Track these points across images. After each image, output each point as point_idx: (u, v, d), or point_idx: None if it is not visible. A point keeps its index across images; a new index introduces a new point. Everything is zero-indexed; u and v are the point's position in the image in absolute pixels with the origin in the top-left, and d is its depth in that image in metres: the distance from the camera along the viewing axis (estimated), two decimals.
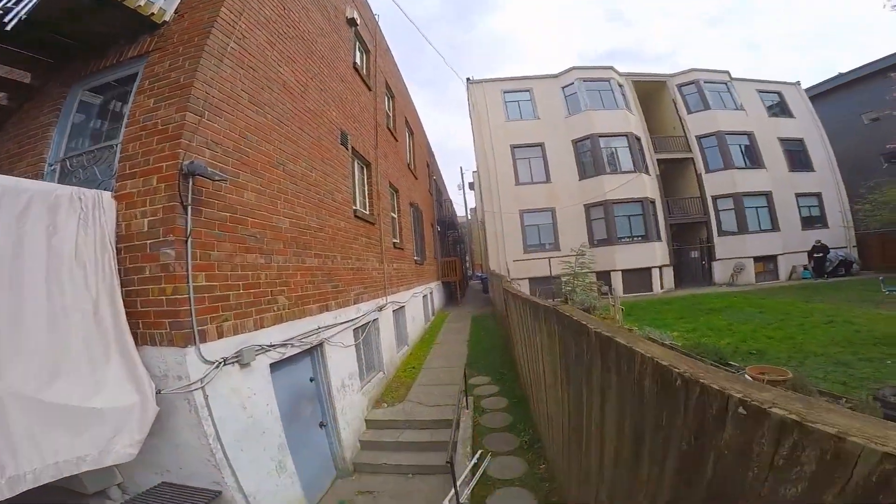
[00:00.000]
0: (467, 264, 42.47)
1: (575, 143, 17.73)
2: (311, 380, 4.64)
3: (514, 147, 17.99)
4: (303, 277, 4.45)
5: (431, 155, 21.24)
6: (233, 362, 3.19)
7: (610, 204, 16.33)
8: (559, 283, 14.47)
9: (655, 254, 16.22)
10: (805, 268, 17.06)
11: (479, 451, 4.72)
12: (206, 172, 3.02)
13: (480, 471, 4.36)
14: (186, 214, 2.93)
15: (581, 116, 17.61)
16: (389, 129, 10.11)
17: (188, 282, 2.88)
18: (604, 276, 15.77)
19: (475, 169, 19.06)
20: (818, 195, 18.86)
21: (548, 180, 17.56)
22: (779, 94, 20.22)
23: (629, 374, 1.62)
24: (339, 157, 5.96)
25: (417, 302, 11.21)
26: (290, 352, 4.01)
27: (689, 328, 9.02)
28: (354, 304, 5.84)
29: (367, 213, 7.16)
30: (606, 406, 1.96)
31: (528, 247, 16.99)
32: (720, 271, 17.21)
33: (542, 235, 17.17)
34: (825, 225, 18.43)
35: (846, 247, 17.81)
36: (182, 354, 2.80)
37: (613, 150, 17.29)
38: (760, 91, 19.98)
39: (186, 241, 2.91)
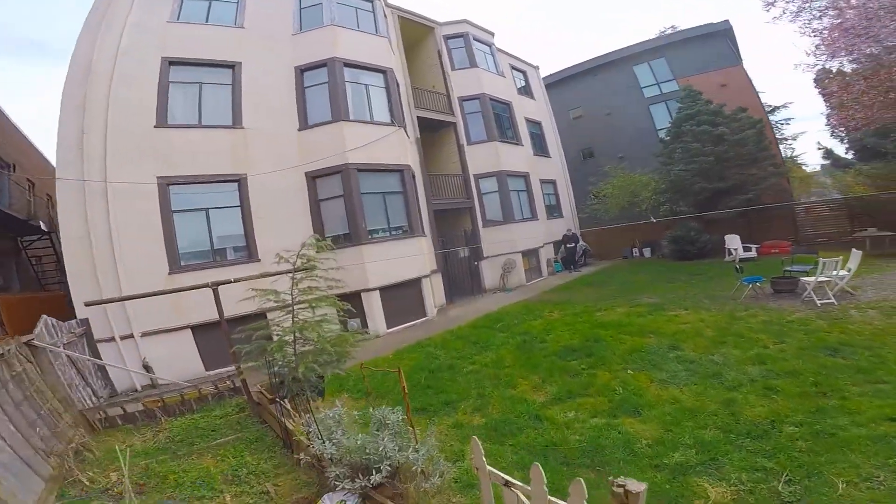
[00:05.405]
0: None
1: (302, 70, 10.15)
2: None
3: (171, 62, 8.86)
4: None
5: None
6: None
7: (354, 171, 9.66)
8: (265, 329, 6.80)
9: (423, 255, 10.82)
10: (556, 260, 15.97)
11: None
12: None
13: None
14: None
15: (321, 33, 10.28)
16: None
17: None
18: (350, 301, 8.93)
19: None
20: (553, 183, 18.64)
21: (235, 124, 9.17)
22: (524, 73, 19.04)
23: None
24: None
25: None
26: None
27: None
28: None
29: None
30: None
31: (185, 258, 8.21)
32: (489, 273, 13.72)
33: (215, 232, 8.68)
34: (561, 214, 18.37)
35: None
36: None
37: (364, 87, 10.66)
38: (512, 67, 18.11)
39: None
